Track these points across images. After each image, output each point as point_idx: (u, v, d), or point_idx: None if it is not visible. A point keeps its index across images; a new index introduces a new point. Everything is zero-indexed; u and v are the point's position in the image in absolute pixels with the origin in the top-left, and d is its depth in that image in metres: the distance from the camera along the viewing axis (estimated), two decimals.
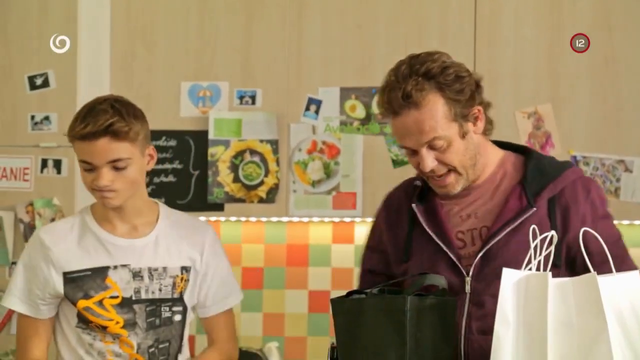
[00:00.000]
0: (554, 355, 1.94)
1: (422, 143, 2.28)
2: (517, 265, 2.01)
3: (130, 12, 4.00)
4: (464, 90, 2.28)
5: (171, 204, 3.91)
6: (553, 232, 2.05)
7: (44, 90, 3.81)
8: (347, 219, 3.99)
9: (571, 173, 2.35)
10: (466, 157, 2.31)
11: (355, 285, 2.51)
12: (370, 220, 3.97)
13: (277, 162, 3.89)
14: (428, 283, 2.28)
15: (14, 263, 3.71)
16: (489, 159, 2.38)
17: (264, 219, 4.05)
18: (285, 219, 3.99)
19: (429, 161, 2.30)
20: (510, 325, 1.97)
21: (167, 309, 2.56)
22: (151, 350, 2.55)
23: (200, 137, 3.95)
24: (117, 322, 2.51)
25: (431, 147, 2.29)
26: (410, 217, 2.42)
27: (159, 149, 3.98)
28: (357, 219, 3.97)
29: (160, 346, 2.58)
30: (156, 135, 3.99)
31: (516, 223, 2.28)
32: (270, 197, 3.91)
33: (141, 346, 2.54)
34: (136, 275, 2.53)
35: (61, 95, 3.80)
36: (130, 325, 2.52)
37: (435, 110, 2.26)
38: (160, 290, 2.55)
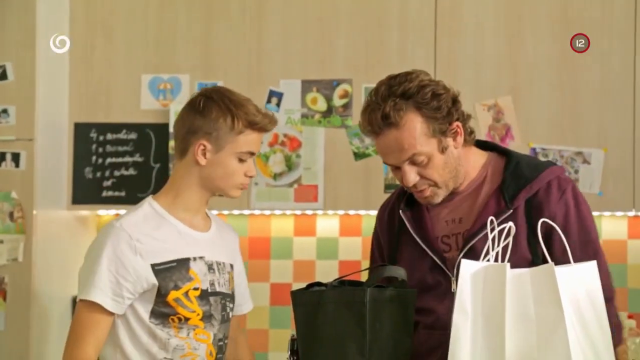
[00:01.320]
0: (512, 345, 1.95)
1: (402, 160, 2.37)
2: None
3: (89, 3, 3.97)
4: (441, 107, 2.35)
5: (132, 197, 3.92)
6: (511, 224, 2.06)
7: (2, 82, 3.77)
8: (309, 212, 3.99)
9: (548, 174, 2.40)
10: (446, 171, 2.40)
11: (318, 278, 2.52)
12: (332, 212, 4.00)
13: None
14: (387, 275, 2.29)
15: None
16: (472, 166, 2.46)
17: (225, 212, 4.04)
18: (247, 212, 3.98)
19: (411, 177, 2.39)
20: (468, 316, 1.98)
21: (229, 304, 2.61)
22: (220, 344, 2.58)
23: (161, 130, 3.93)
24: (198, 314, 2.52)
25: (412, 162, 2.38)
26: (399, 222, 2.50)
27: (119, 142, 3.96)
28: (319, 212, 3.97)
29: (225, 341, 2.61)
30: (116, 128, 3.96)
31: (492, 225, 2.30)
32: None
33: (215, 338, 2.55)
34: (210, 267, 2.56)
35: (19, 87, 3.76)
36: (207, 317, 2.53)
37: (414, 129, 2.34)
38: (224, 284, 2.60)
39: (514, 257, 2.28)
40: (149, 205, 2.55)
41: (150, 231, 2.50)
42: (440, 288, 2.36)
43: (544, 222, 2.15)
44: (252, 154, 2.53)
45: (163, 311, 2.48)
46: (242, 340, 2.78)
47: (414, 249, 2.44)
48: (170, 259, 2.50)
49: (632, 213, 3.80)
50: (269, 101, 3.90)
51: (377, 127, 2.36)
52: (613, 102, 3.75)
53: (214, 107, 2.50)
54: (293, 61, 3.91)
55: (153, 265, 2.47)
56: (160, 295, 2.48)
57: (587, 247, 2.32)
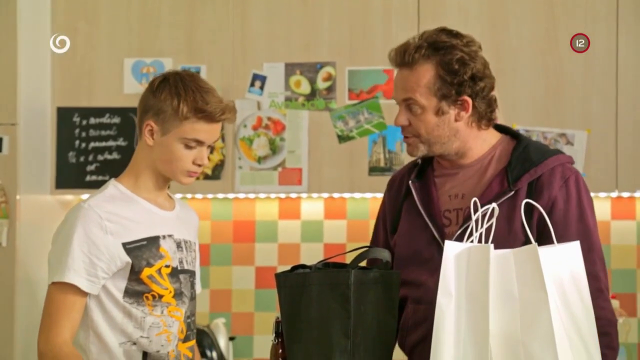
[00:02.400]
0: (496, 325, 1.96)
1: (399, 98, 2.43)
2: (495, 246, 2.03)
3: None
4: (457, 74, 2.37)
5: None
6: (494, 205, 2.07)
7: None
8: (293, 195, 3.99)
9: (553, 160, 2.40)
10: (435, 133, 2.41)
11: (303, 261, 2.53)
12: (316, 195, 4.00)
13: (223, 139, 3.88)
14: (372, 257, 2.30)
15: None
16: (479, 144, 2.45)
17: (210, 196, 4.03)
18: (231, 195, 3.98)
19: (401, 118, 2.43)
20: (452, 297, 1.99)
21: (195, 282, 2.61)
22: (188, 321, 2.58)
23: None
24: (170, 292, 2.51)
25: (408, 107, 2.41)
26: (406, 192, 2.51)
27: (102, 126, 3.95)
28: (303, 195, 3.97)
29: (193, 318, 2.60)
30: (99, 112, 3.95)
31: (494, 205, 2.30)
32: (216, 173, 3.90)
33: (184, 315, 2.55)
34: (179, 245, 2.56)
35: (1, 72, 3.73)
36: (178, 294, 2.53)
37: (422, 77, 2.38)
38: (192, 262, 2.59)
39: (509, 237, 2.30)
40: (114, 186, 2.54)
41: (119, 210, 2.49)
42: (433, 261, 2.35)
43: (529, 204, 2.16)
44: (199, 142, 2.48)
45: (137, 289, 2.48)
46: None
47: (416, 220, 2.45)
48: (141, 237, 2.49)
49: (615, 194, 3.83)
50: (252, 84, 3.89)
51: (395, 59, 2.42)
52: (596, 84, 3.76)
53: (165, 88, 2.47)
54: (276, 44, 3.90)
55: (124, 244, 2.46)
56: (134, 273, 2.47)
57: (584, 239, 2.30)
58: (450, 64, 2.37)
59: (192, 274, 2.59)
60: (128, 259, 2.46)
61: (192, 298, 2.59)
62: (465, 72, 2.38)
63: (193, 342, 2.61)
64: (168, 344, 2.51)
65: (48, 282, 2.47)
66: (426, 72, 2.38)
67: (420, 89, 2.38)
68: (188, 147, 2.48)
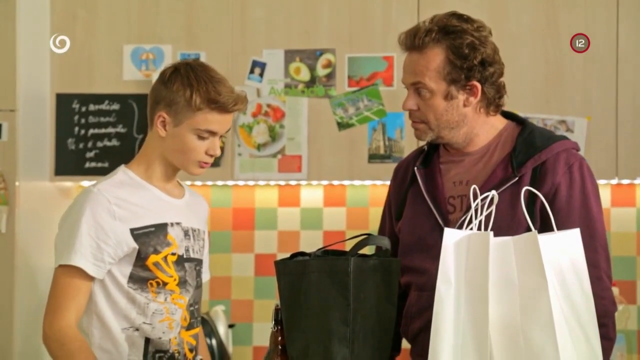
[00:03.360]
0: (495, 312, 1.96)
1: (409, 82, 2.42)
2: (498, 232, 2.03)
3: None
4: (467, 58, 2.37)
5: (115, 168, 3.89)
6: (494, 192, 2.06)
7: None
8: (293, 182, 3.99)
9: (558, 146, 2.39)
10: (443, 118, 2.41)
11: (303, 248, 2.53)
12: (315, 183, 4.00)
13: None
14: (372, 244, 2.29)
15: None
16: (486, 130, 2.45)
17: (209, 183, 4.03)
18: (230, 182, 3.97)
19: (410, 102, 2.42)
20: (451, 284, 1.99)
21: (202, 270, 2.62)
22: (191, 309, 2.58)
23: (144, 101, 3.88)
24: (175, 279, 2.52)
25: (417, 91, 2.41)
26: (411, 178, 2.52)
27: (102, 112, 3.94)
28: (303, 182, 3.97)
29: (197, 306, 2.61)
30: (99, 98, 3.94)
31: (498, 191, 2.30)
32: (216, 160, 3.88)
33: (188, 303, 2.55)
34: (186, 234, 2.56)
35: (0, 58, 3.72)
36: (182, 282, 2.53)
37: (432, 61, 2.38)
38: (198, 250, 2.60)
39: (512, 223, 2.29)
40: (124, 172, 2.54)
41: (128, 196, 2.49)
42: (436, 248, 2.33)
43: (530, 191, 2.16)
44: (212, 132, 2.49)
45: (142, 275, 2.48)
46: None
47: (421, 206, 2.45)
48: (149, 223, 2.49)
49: (614, 181, 3.82)
50: (252, 71, 3.88)
51: (405, 42, 2.41)
52: (596, 70, 3.75)
53: (177, 79, 2.47)
54: (276, 31, 3.89)
55: (132, 230, 2.46)
56: (140, 259, 2.47)
57: (587, 226, 2.29)
58: (460, 48, 2.37)
59: (198, 262, 2.59)
60: (135, 245, 2.46)
61: (198, 286, 2.59)
62: (475, 56, 2.37)
63: (197, 330, 2.61)
64: (170, 331, 2.52)
65: (54, 265, 2.47)
66: (436, 56, 2.37)
67: (429, 73, 2.37)
68: (201, 137, 2.48)
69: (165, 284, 2.50)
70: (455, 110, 2.40)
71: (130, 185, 2.52)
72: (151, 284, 2.49)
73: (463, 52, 2.36)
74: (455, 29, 2.38)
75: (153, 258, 2.48)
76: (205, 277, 2.67)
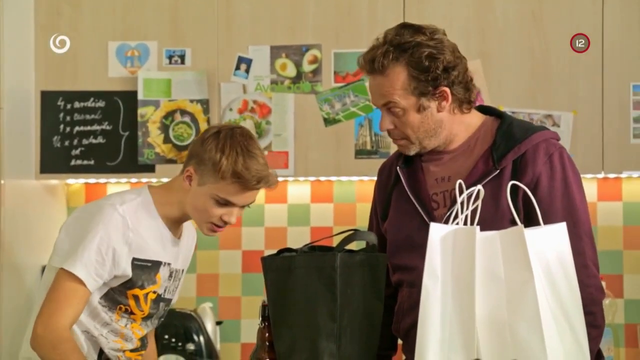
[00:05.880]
0: (482, 306, 1.96)
1: (380, 104, 2.43)
2: (482, 225, 2.04)
3: None
4: (429, 70, 2.37)
5: (101, 166, 3.89)
6: (480, 187, 2.06)
7: None
8: (280, 179, 3.96)
9: (537, 136, 2.40)
10: (421, 130, 2.42)
11: (290, 245, 2.53)
12: (302, 179, 3.99)
13: (208, 122, 3.86)
14: (358, 240, 2.29)
15: None
16: (464, 128, 2.46)
17: None
18: None
19: (385, 122, 2.43)
20: (438, 279, 1.99)
21: (167, 307, 2.66)
22: (144, 340, 2.65)
23: (129, 98, 3.89)
24: (144, 314, 2.57)
25: (389, 110, 2.42)
26: (395, 178, 2.52)
27: (87, 110, 3.92)
28: (290, 178, 3.96)
29: (147, 337, 2.68)
30: (84, 96, 3.92)
31: (480, 185, 2.30)
32: None
33: (143, 335, 2.62)
34: (171, 274, 2.59)
35: None
36: (148, 317, 2.58)
37: (396, 80, 2.39)
38: (172, 291, 2.63)
39: (496, 215, 2.30)
40: (147, 195, 2.56)
41: (140, 225, 2.51)
42: (424, 245, 2.35)
43: (514, 184, 2.16)
44: (231, 203, 2.48)
45: (117, 299, 2.52)
46: (152, 344, 2.80)
47: (406, 205, 2.46)
48: (149, 258, 2.53)
49: (601, 175, 3.83)
50: (237, 67, 3.87)
51: (367, 68, 2.42)
52: (582, 65, 3.76)
53: (214, 142, 2.47)
54: (262, 27, 3.88)
55: (134, 259, 2.50)
56: (125, 287, 2.51)
57: (570, 214, 2.31)
58: (420, 62, 2.37)
59: (168, 302, 2.64)
60: (129, 274, 2.49)
61: (158, 323, 2.66)
62: (437, 66, 2.38)
63: (143, 352, 2.68)
64: (119, 351, 2.58)
65: (56, 264, 2.48)
66: (399, 75, 2.38)
67: (397, 92, 2.38)
68: (219, 204, 2.48)
69: (132, 313, 2.55)
70: (430, 119, 2.41)
71: (146, 211, 2.53)
72: (120, 308, 2.54)
73: (423, 65, 2.37)
74: (410, 44, 2.38)
75: (136, 291, 2.52)
76: (174, 299, 2.72)
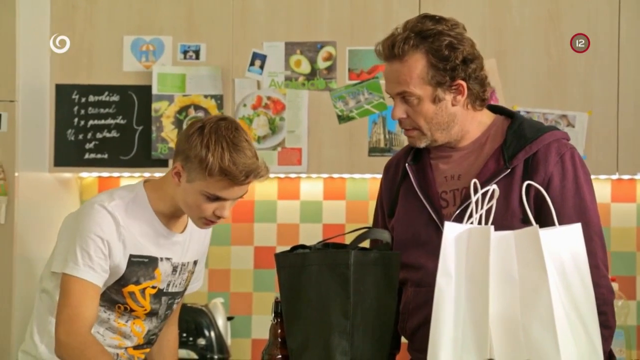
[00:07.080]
0: (496, 306, 1.95)
1: (394, 92, 2.41)
2: (493, 224, 2.02)
3: None
4: (449, 59, 2.36)
5: (115, 160, 3.90)
6: (494, 187, 2.06)
7: None
8: (293, 175, 3.98)
9: (549, 136, 2.40)
10: (434, 121, 2.40)
11: (302, 241, 2.52)
12: (315, 175, 3.99)
13: None
14: (372, 237, 2.29)
15: None
16: (476, 126, 2.45)
17: None
18: None
19: (398, 111, 2.41)
20: (452, 278, 1.98)
21: (177, 300, 2.63)
22: (151, 337, 2.62)
23: (144, 92, 3.90)
24: (145, 310, 2.54)
25: (404, 99, 2.40)
26: (403, 175, 2.51)
27: (102, 104, 3.93)
28: (303, 175, 3.96)
29: (158, 332, 2.64)
30: (98, 90, 3.93)
31: (491, 184, 2.29)
32: None
33: (148, 332, 2.59)
34: (174, 269, 2.57)
35: (0, 49, 3.71)
36: (151, 313, 2.56)
37: (414, 68, 2.37)
38: (180, 284, 2.60)
39: (506, 214, 2.29)
40: (141, 190, 2.53)
41: (133, 222, 2.49)
42: (431, 244, 2.34)
43: (529, 184, 2.16)
44: (222, 198, 2.43)
45: (113, 298, 2.51)
46: (172, 335, 2.75)
47: (413, 202, 2.45)
48: (145, 254, 2.51)
49: (615, 176, 3.82)
50: (252, 64, 3.88)
51: (385, 54, 2.40)
52: (597, 65, 3.75)
53: (198, 138, 2.39)
54: (277, 23, 3.88)
55: (132, 256, 2.48)
56: (119, 284, 2.49)
57: (581, 215, 2.30)
58: (440, 50, 2.36)
59: (175, 295, 2.60)
60: (123, 269, 2.48)
61: (165, 318, 2.61)
62: (457, 56, 2.37)
63: (148, 350, 2.64)
64: (119, 347, 2.56)
65: (57, 269, 2.47)
66: (417, 62, 2.37)
67: (413, 80, 2.37)
68: (210, 200, 2.44)
69: (133, 310, 2.53)
70: (444, 111, 2.40)
71: (140, 207, 2.50)
72: (119, 307, 2.52)
73: (443, 54, 2.36)
74: (431, 32, 2.37)
75: (131, 287, 2.50)
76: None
